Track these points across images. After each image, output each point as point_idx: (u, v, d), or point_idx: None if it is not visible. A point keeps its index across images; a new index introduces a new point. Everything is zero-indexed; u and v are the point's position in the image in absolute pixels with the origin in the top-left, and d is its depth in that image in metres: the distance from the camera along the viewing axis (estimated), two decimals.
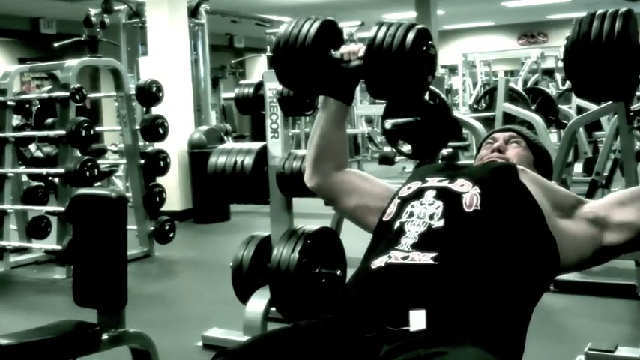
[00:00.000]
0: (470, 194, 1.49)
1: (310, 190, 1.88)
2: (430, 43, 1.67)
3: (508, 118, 6.09)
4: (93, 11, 7.21)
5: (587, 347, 2.93)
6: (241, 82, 3.51)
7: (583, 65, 1.54)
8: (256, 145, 3.25)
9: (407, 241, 1.45)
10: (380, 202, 1.70)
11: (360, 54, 1.70)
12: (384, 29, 1.66)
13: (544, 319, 3.40)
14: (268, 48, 10.28)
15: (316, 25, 1.74)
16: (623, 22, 1.52)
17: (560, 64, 11.21)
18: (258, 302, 3.12)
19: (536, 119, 5.67)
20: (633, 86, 1.60)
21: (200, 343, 3.36)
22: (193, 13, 7.71)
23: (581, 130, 6.71)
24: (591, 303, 3.79)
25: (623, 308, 3.76)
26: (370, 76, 1.68)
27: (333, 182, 1.83)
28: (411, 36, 1.63)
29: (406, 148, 3.80)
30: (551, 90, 9.06)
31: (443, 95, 3.78)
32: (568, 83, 10.35)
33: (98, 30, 7.11)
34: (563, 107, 7.46)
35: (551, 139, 6.56)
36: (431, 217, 1.47)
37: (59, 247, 4.82)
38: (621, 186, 5.67)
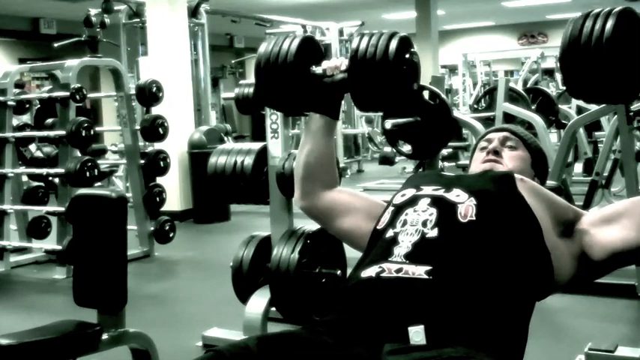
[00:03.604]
0: (465, 205, 1.46)
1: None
2: (412, 50, 1.67)
3: (508, 118, 6.08)
4: (93, 11, 7.20)
5: (587, 347, 2.93)
6: (241, 82, 3.51)
7: (576, 67, 1.47)
8: (256, 145, 3.25)
9: (400, 251, 1.42)
10: (374, 221, 1.64)
11: (343, 67, 1.70)
12: (365, 39, 1.65)
13: (544, 319, 3.39)
14: None
15: (296, 42, 1.74)
16: (616, 21, 1.43)
17: None
18: (258, 302, 3.12)
19: (536, 119, 5.67)
20: (634, 87, 1.51)
21: (200, 343, 3.36)
22: (193, 13, 7.70)
23: (581, 130, 6.70)
24: (591, 303, 3.78)
25: (623, 308, 3.75)
26: (356, 88, 1.67)
27: (325, 203, 1.78)
28: (393, 44, 1.63)
29: (406, 148, 3.81)
30: (551, 90, 9.05)
31: (443, 95, 3.79)
32: None
33: (98, 30, 7.10)
34: (563, 107, 7.46)
35: (551, 139, 6.55)
36: (424, 224, 1.45)
37: (59, 247, 4.82)
38: (621, 186, 5.69)
